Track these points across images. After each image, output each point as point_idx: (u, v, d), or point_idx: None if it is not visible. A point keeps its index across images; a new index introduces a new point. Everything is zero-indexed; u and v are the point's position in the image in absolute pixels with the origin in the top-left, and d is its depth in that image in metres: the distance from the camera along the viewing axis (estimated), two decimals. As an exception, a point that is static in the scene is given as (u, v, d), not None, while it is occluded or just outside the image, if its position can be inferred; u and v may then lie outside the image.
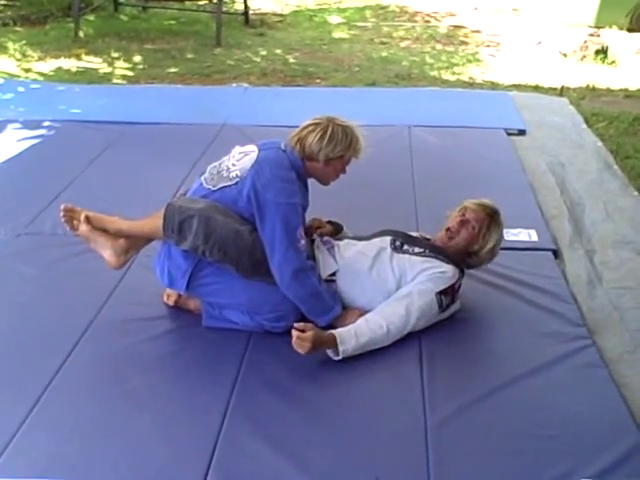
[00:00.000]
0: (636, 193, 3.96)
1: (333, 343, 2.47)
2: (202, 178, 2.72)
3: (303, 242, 2.57)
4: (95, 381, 2.45)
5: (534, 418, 2.26)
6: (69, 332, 2.66)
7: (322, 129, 2.64)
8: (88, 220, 2.67)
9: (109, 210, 3.57)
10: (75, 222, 2.71)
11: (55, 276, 3.07)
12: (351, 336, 2.49)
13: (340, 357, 2.48)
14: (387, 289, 2.66)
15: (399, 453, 2.12)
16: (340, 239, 2.85)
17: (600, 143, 4.69)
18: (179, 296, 2.81)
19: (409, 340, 2.59)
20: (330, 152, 2.64)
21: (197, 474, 2.03)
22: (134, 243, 2.72)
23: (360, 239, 2.82)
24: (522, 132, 4.87)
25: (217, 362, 2.52)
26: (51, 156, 4.36)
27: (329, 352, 2.49)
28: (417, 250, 2.73)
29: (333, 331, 2.50)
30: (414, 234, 2.90)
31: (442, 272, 2.66)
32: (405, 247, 2.74)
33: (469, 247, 2.74)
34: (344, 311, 2.65)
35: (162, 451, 2.12)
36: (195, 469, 2.05)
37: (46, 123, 4.86)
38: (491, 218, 2.76)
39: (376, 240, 2.78)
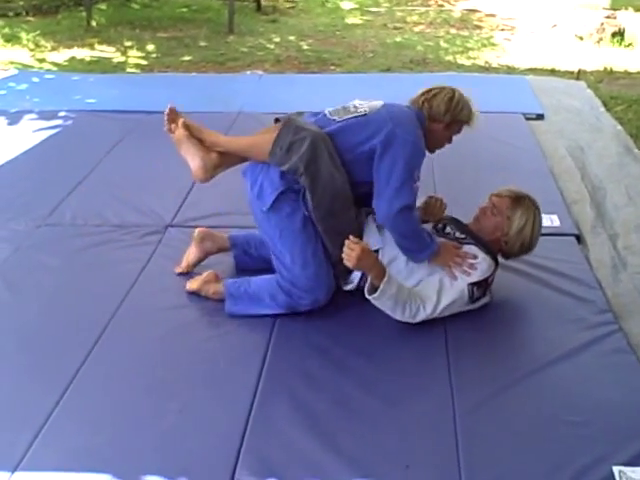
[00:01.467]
0: (658, 177, 3.92)
1: (380, 275, 2.47)
2: (324, 112, 2.72)
3: (418, 184, 2.60)
4: (122, 371, 2.44)
5: (564, 405, 2.24)
6: (94, 322, 2.67)
7: (449, 92, 2.72)
8: (187, 128, 2.68)
9: (128, 198, 3.60)
10: (173, 125, 2.71)
11: (77, 266, 3.07)
12: (395, 285, 2.49)
13: (375, 295, 2.48)
14: (423, 271, 2.64)
15: (429, 441, 2.11)
16: None
17: (619, 127, 4.65)
18: (204, 283, 2.81)
19: (434, 326, 2.58)
20: (457, 114, 2.71)
21: (227, 461, 2.03)
22: (226, 160, 2.72)
23: None
24: (540, 116, 4.83)
25: (243, 349, 2.52)
26: (68, 147, 4.37)
27: (367, 286, 2.51)
28: (458, 235, 2.72)
29: (388, 270, 2.50)
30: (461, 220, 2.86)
31: (478, 262, 2.62)
32: (447, 229, 2.75)
33: (497, 232, 2.70)
34: (439, 247, 2.64)
35: (192, 440, 2.12)
36: (225, 456, 2.05)
37: (62, 113, 4.87)
38: (514, 200, 2.72)
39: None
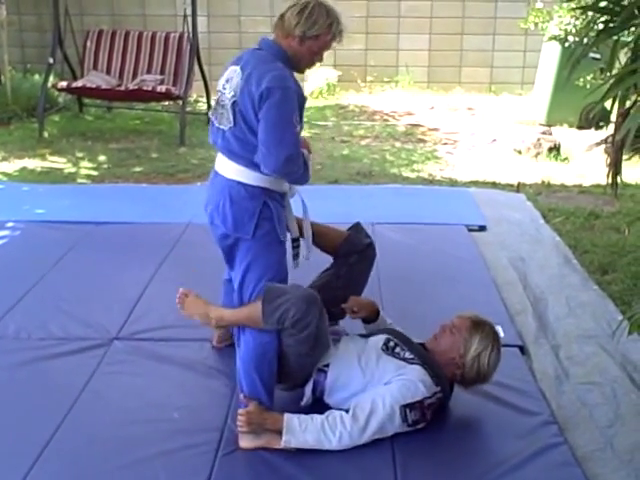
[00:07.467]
0: (596, 287, 4.05)
1: (280, 427, 2.48)
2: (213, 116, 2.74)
3: (298, 128, 2.59)
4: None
5: (511, 521, 2.24)
6: (32, 442, 2.59)
7: (303, 4, 2.59)
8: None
9: (74, 310, 3.56)
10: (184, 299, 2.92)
11: (17, 382, 3.00)
12: (296, 430, 2.47)
13: (282, 446, 2.48)
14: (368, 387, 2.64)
15: None
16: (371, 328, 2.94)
17: (558, 238, 4.81)
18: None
19: (381, 439, 2.57)
20: (307, 29, 2.57)
21: None
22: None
23: (368, 335, 2.85)
24: (482, 228, 4.97)
25: (187, 470, 2.46)
26: (15, 258, 4.32)
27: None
28: (407, 355, 2.69)
29: (286, 417, 2.49)
30: (418, 341, 2.82)
31: (411, 381, 2.57)
32: (397, 350, 2.71)
33: (453, 352, 2.66)
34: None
35: None
36: None
37: (10, 224, 4.84)
38: (474, 323, 2.70)
39: (373, 338, 2.79)
